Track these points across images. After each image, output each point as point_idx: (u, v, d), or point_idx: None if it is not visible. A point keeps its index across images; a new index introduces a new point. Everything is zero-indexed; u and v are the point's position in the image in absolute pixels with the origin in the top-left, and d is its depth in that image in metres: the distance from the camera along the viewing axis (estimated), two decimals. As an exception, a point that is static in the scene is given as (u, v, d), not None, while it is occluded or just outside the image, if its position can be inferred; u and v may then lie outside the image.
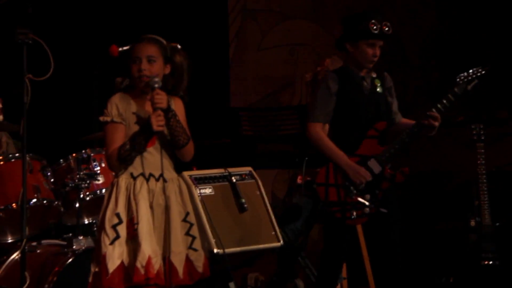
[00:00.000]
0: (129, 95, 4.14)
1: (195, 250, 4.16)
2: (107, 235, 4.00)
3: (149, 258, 3.99)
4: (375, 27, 4.74)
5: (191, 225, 4.19)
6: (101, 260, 3.99)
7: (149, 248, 4.00)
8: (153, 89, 4.04)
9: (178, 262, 4.08)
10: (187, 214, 4.18)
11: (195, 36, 7.47)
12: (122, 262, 4.01)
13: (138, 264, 3.97)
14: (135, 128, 4.08)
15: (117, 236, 4.00)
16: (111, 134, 4.08)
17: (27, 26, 4.48)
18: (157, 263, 4.03)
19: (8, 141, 5.52)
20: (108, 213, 4.04)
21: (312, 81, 5.78)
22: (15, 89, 4.64)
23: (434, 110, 4.75)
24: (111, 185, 4.12)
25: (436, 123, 4.75)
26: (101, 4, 6.99)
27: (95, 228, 5.29)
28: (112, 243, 3.99)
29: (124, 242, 4.02)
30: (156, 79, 4.06)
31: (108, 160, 4.09)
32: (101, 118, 4.11)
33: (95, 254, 4.08)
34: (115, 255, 3.99)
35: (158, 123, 4.01)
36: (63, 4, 6.82)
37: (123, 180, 4.08)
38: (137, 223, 4.01)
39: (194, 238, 4.17)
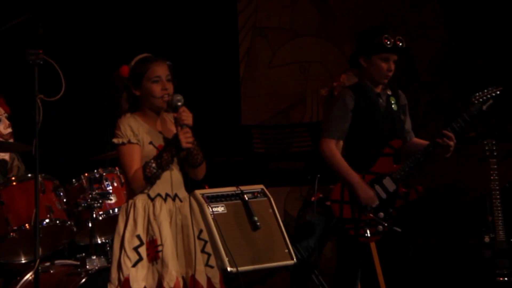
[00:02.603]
0: (137, 115, 4.15)
1: (211, 267, 4.18)
2: (128, 257, 4.00)
3: (177, 279, 4.00)
4: (388, 42, 4.73)
5: (206, 242, 4.20)
6: (124, 283, 3.98)
7: (175, 269, 4.01)
8: (177, 107, 4.05)
9: (203, 280, 4.10)
10: (201, 231, 4.20)
11: (206, 54, 7.49)
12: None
13: (166, 285, 3.98)
14: (149, 147, 4.09)
15: (140, 258, 4.01)
16: (129, 155, 4.06)
17: (38, 47, 4.49)
18: (181, 283, 4.04)
19: (20, 166, 5.52)
20: (127, 235, 4.03)
21: (328, 97, 5.78)
22: (27, 109, 4.65)
23: (449, 129, 4.74)
24: (127, 207, 4.11)
25: (451, 143, 4.72)
26: (111, 24, 7.01)
27: (108, 248, 5.28)
28: (135, 265, 3.99)
29: (146, 264, 4.02)
30: (179, 97, 4.08)
31: (132, 181, 4.06)
32: (115, 140, 4.09)
33: (114, 276, 4.05)
34: (139, 277, 3.99)
35: (187, 140, 4.02)
36: (74, 24, 6.84)
37: (140, 201, 4.08)
38: (162, 245, 4.01)
39: (209, 255, 4.19)
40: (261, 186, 5.37)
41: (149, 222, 4.06)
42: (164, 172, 4.09)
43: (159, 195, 4.09)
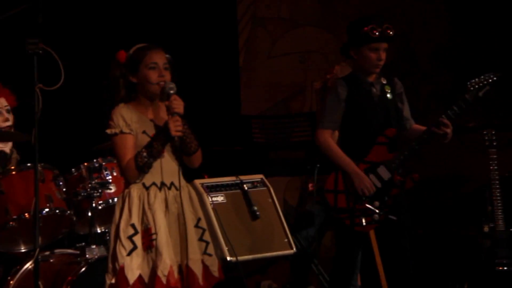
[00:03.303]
0: (131, 104, 4.15)
1: (210, 255, 4.18)
2: (123, 246, 4.01)
3: (171, 267, 4.01)
4: (376, 32, 4.73)
5: (204, 230, 4.20)
6: (119, 272, 3.99)
7: (169, 257, 4.01)
8: (169, 95, 4.06)
9: (197, 269, 4.09)
10: (199, 219, 4.20)
11: (205, 44, 7.48)
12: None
13: (160, 273, 3.99)
14: (142, 137, 4.09)
15: (135, 247, 4.02)
16: (122, 145, 4.08)
17: (38, 36, 4.49)
18: (175, 272, 4.04)
19: (18, 159, 5.52)
20: (123, 224, 4.05)
21: (322, 89, 5.78)
22: (26, 99, 4.65)
23: (445, 116, 4.73)
24: (122, 196, 4.13)
25: (448, 130, 4.72)
26: (110, 13, 7.00)
27: (108, 237, 5.29)
28: (129, 254, 4.01)
29: (141, 252, 4.03)
30: (172, 85, 4.09)
31: (126, 171, 4.08)
32: (108, 131, 4.12)
33: (110, 266, 4.07)
34: (134, 266, 4.01)
35: (176, 128, 4.03)
36: (73, 13, 6.83)
37: (135, 191, 4.09)
38: (156, 233, 4.03)
39: (207, 243, 4.19)
40: (261, 176, 5.38)
41: (143, 211, 4.07)
42: (159, 161, 4.10)
43: (154, 184, 4.10)
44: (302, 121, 6.37)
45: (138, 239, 4.03)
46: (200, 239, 4.16)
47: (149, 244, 4.03)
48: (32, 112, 4.46)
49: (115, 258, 4.03)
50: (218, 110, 7.32)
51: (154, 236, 4.03)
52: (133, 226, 4.04)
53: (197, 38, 7.45)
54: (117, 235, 4.05)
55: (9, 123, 5.40)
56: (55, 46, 4.56)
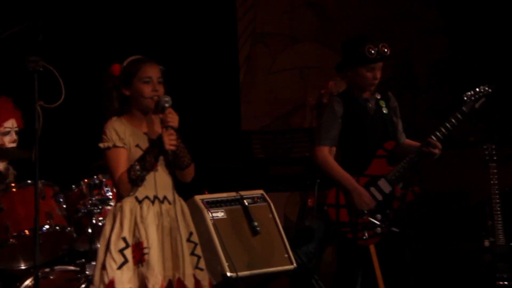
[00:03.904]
0: (124, 118, 4.15)
1: (201, 269, 4.17)
2: (113, 259, 3.99)
3: (162, 283, 4.00)
4: (372, 51, 4.75)
5: (196, 244, 4.18)
6: (109, 286, 3.98)
7: (160, 272, 4.01)
8: (164, 108, 4.06)
9: (189, 283, 4.08)
10: (191, 233, 4.18)
11: (206, 60, 7.51)
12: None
13: None
14: (136, 150, 4.09)
15: (126, 261, 4.00)
16: (115, 159, 4.07)
17: (38, 54, 4.51)
18: (164, 286, 4.02)
19: (15, 174, 5.53)
20: (114, 237, 4.03)
21: (317, 105, 5.80)
22: (27, 116, 4.66)
23: (443, 128, 4.75)
24: (114, 210, 4.12)
25: (436, 151, 4.74)
26: (111, 31, 7.02)
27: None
28: (120, 267, 3.99)
29: (131, 266, 4.02)
30: (167, 98, 4.08)
31: (119, 185, 4.07)
32: (101, 145, 4.10)
33: (97, 279, 4.03)
34: (125, 280, 3.99)
35: (170, 141, 4.02)
36: (74, 31, 6.86)
37: (127, 204, 4.08)
38: (148, 248, 4.01)
39: (199, 257, 4.17)
40: (261, 191, 5.39)
41: (135, 224, 4.05)
42: (153, 175, 4.09)
43: (147, 197, 4.09)
44: (302, 136, 6.37)
45: (129, 253, 4.02)
46: (192, 253, 4.14)
47: (141, 258, 4.01)
48: (33, 129, 4.48)
49: (103, 271, 4.01)
50: (219, 126, 7.33)
51: (146, 250, 4.01)
52: (124, 239, 4.02)
53: (197, 54, 7.48)
54: (107, 248, 4.03)
55: (15, 144, 5.42)
56: (56, 63, 4.58)
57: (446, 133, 4.77)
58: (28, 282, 5.05)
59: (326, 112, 4.89)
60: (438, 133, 4.76)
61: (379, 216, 4.77)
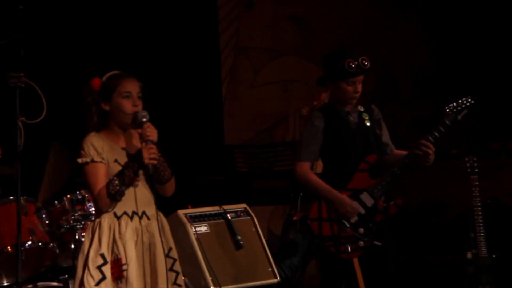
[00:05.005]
0: (102, 133, 4.13)
1: (179, 285, 4.15)
2: (91, 276, 3.98)
3: None
4: (352, 65, 4.76)
5: (175, 260, 4.17)
6: None
7: None
8: (142, 123, 4.04)
9: None
10: (170, 249, 4.16)
11: (188, 74, 7.51)
12: None
13: None
14: (114, 165, 4.07)
15: (104, 277, 3.99)
16: (94, 174, 4.05)
17: (20, 70, 4.50)
18: None
19: None
20: (92, 253, 4.02)
21: (309, 116, 5.81)
22: (8, 132, 4.64)
23: (424, 139, 4.76)
24: (93, 226, 4.10)
25: (430, 151, 4.73)
26: (93, 46, 7.02)
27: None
28: (97, 284, 3.98)
29: (110, 283, 4.00)
30: (144, 113, 4.06)
31: (98, 200, 4.05)
32: (79, 160, 4.08)
33: None
34: None
35: (150, 156, 4.00)
36: (56, 46, 6.85)
37: (106, 220, 4.06)
38: (127, 264, 4.00)
39: (178, 273, 4.16)
40: (244, 205, 5.39)
41: (114, 241, 4.03)
42: (133, 190, 4.07)
43: (125, 213, 4.07)
44: (285, 150, 6.40)
45: (107, 269, 4.00)
46: (171, 269, 4.12)
47: (120, 275, 4.00)
48: (14, 146, 4.46)
49: (82, 287, 3.99)
50: (202, 140, 7.33)
51: (124, 267, 4.00)
52: (102, 256, 4.01)
53: (180, 68, 7.48)
54: (85, 264, 4.02)
55: None
56: (37, 79, 4.57)
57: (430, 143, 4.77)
58: (10, 298, 5.03)
59: (307, 128, 4.90)
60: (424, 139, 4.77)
61: (361, 229, 4.78)
